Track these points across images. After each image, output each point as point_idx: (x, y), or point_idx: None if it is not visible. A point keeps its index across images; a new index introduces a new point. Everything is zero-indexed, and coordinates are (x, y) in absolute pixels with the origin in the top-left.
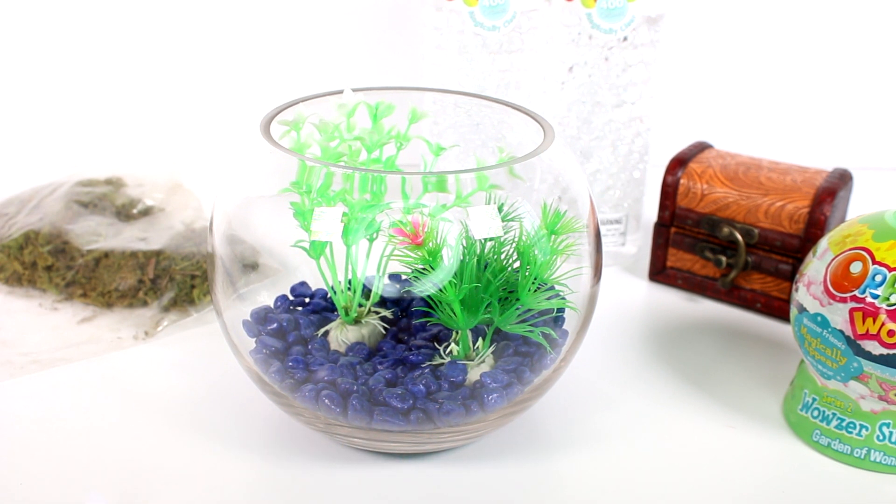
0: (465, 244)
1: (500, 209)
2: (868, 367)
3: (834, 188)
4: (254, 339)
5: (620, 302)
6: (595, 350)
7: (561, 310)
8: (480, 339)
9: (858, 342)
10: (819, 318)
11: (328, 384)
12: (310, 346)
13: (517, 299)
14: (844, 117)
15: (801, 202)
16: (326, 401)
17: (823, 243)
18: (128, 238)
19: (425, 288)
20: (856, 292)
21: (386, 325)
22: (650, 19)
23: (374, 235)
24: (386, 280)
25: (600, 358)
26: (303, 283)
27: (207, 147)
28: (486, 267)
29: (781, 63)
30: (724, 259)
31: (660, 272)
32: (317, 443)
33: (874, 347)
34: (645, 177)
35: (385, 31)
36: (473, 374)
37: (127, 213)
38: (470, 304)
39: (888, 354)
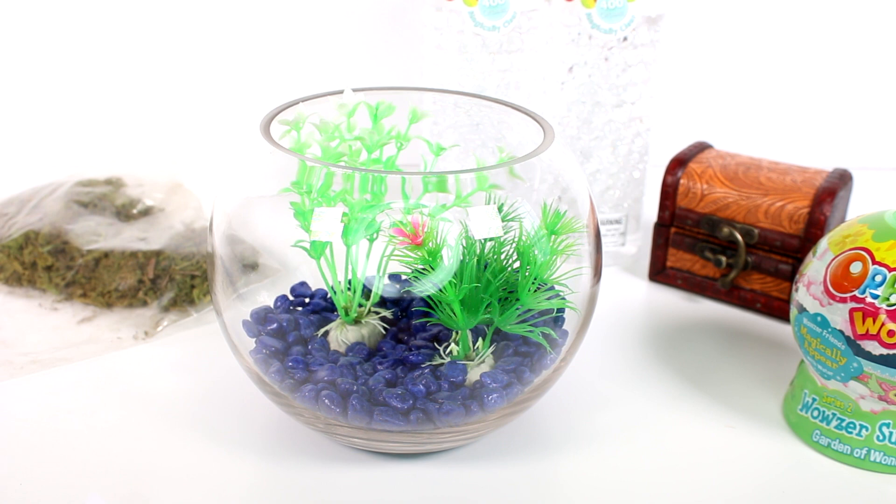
0: (465, 244)
1: (500, 209)
2: (868, 367)
3: (834, 188)
4: (254, 339)
5: (620, 302)
6: (595, 350)
7: (561, 310)
8: (480, 340)
9: (858, 342)
10: (819, 319)
11: (328, 384)
12: (310, 347)
13: (517, 299)
14: (844, 117)
15: (801, 202)
16: (326, 401)
17: (823, 243)
18: (128, 238)
19: (425, 288)
20: (856, 292)
21: (386, 326)
22: (650, 19)
23: (374, 235)
24: (386, 280)
25: (600, 358)
26: (303, 283)
27: (207, 147)
28: (486, 267)
29: (781, 63)
30: (724, 259)
31: (660, 272)
32: (317, 443)
33: (874, 347)
34: (645, 177)
35: (385, 31)
36: (473, 374)
37: (127, 213)
38: (470, 304)
39: (888, 354)
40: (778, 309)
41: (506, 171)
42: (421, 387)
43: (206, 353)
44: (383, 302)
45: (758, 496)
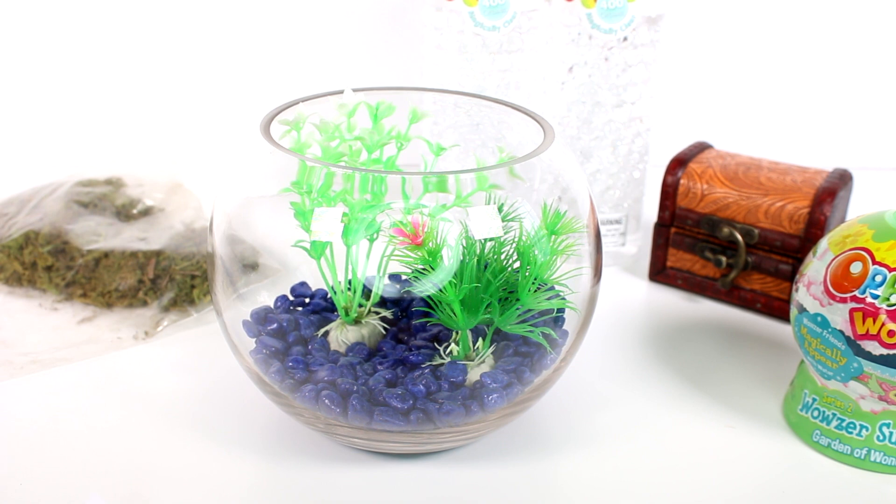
0: (465, 244)
1: (500, 209)
2: (868, 367)
3: (834, 188)
4: (254, 340)
5: (620, 302)
6: (595, 350)
7: (561, 310)
8: (480, 340)
9: (858, 342)
10: (819, 319)
11: (328, 384)
12: (310, 347)
13: (517, 299)
14: (844, 117)
15: (801, 202)
16: (326, 401)
17: (823, 243)
18: (128, 238)
19: (425, 288)
20: (856, 292)
21: (386, 326)
22: (650, 19)
23: (375, 236)
24: (386, 280)
25: (600, 358)
26: (303, 284)
27: (207, 147)
28: (486, 267)
29: (781, 63)
30: (724, 259)
31: (660, 272)
32: (317, 443)
33: (874, 348)
34: (645, 177)
35: (385, 31)
36: (473, 375)
37: (127, 213)
38: (470, 304)
39: (888, 355)
40: (778, 309)
41: (506, 171)
42: (421, 387)
43: (206, 353)
44: (383, 302)
45: (758, 496)
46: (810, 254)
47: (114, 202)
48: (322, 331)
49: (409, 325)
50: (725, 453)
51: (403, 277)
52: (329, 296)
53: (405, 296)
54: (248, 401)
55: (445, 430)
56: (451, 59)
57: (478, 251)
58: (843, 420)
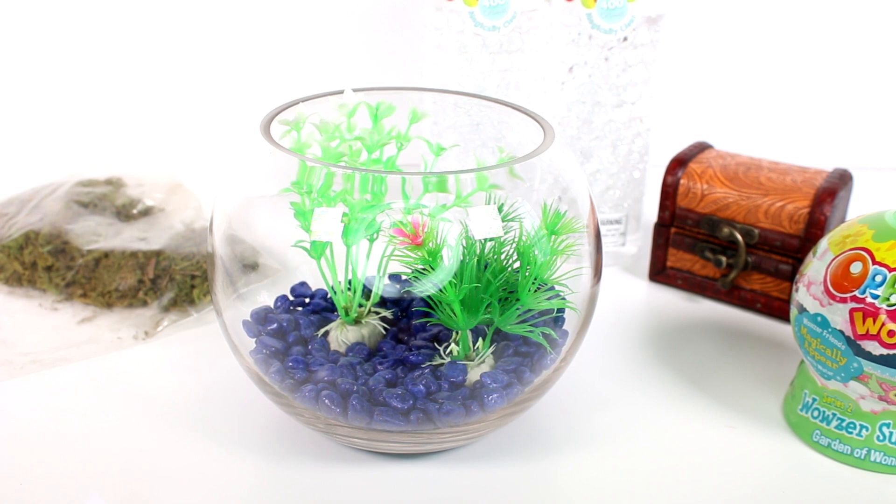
0: (465, 244)
1: (500, 209)
2: (868, 367)
3: (834, 188)
4: (254, 340)
5: (620, 302)
6: (595, 350)
7: (561, 310)
8: (480, 340)
9: (858, 342)
10: (819, 319)
11: (328, 384)
12: (310, 347)
13: (517, 299)
14: (844, 117)
15: (801, 202)
16: (326, 401)
17: (823, 243)
18: (128, 238)
19: (425, 288)
20: (856, 292)
21: (386, 326)
22: (650, 19)
23: (375, 236)
24: (386, 280)
25: (600, 358)
26: (303, 284)
27: (207, 147)
28: (486, 267)
29: (781, 63)
30: (724, 259)
31: (660, 272)
32: (317, 443)
33: (874, 348)
34: (645, 177)
35: (385, 31)
36: (473, 375)
37: (127, 213)
38: (470, 304)
39: (888, 355)
40: (778, 309)
41: (506, 171)
42: (421, 387)
43: (206, 353)
44: (383, 302)
45: (758, 496)
46: (810, 254)
47: (114, 202)
48: (322, 331)
49: (409, 325)
50: (725, 453)
51: (403, 277)
52: (329, 296)
53: (405, 296)
54: (248, 401)
55: (445, 430)
56: (451, 59)
57: (478, 251)
58: (843, 420)
